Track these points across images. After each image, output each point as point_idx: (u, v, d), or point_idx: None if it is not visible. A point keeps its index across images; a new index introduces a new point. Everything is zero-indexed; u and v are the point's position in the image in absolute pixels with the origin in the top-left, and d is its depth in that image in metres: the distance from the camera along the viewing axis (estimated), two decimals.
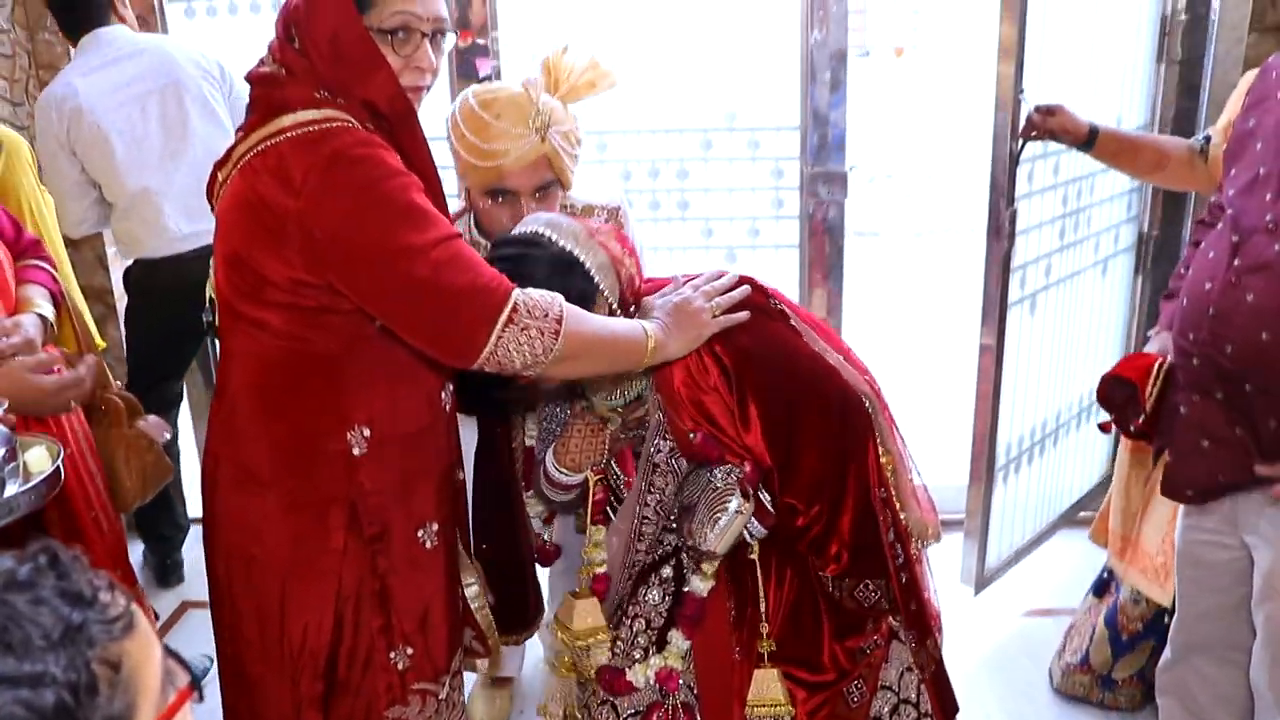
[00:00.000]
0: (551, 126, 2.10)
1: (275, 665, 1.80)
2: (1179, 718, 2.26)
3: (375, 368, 1.72)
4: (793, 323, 1.95)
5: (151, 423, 2.34)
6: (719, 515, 1.78)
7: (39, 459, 1.79)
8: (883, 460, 1.93)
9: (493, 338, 1.57)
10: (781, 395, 1.85)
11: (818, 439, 1.86)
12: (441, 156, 1.86)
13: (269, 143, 1.59)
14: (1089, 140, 2.59)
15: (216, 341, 3.41)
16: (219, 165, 1.72)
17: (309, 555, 1.75)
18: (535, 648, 2.95)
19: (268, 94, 1.65)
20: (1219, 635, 2.12)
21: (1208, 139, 2.46)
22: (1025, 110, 2.68)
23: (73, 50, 3.18)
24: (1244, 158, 1.90)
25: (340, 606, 1.77)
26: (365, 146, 1.58)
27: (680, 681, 1.93)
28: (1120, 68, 3.12)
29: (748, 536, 1.85)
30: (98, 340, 2.56)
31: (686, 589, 1.92)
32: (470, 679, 2.73)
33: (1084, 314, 3.32)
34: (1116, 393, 2.13)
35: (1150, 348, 2.17)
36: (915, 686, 2.00)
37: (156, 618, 3.23)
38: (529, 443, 2.17)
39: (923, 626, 1.99)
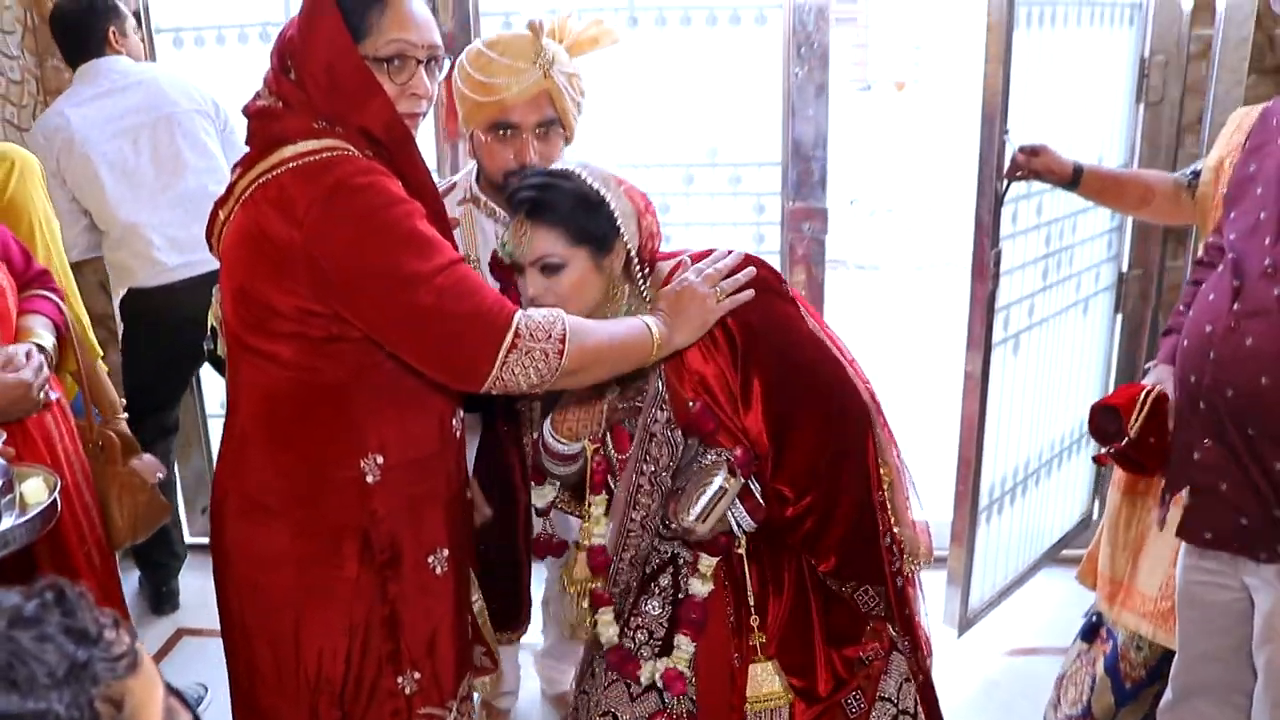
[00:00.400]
0: (555, 65, 2.13)
1: (290, 696, 1.80)
2: None
3: (385, 394, 1.73)
4: (802, 312, 1.95)
5: (146, 462, 2.35)
6: (704, 490, 1.79)
7: (36, 490, 1.81)
8: (880, 471, 1.93)
9: (497, 363, 1.58)
10: (785, 374, 1.84)
11: (813, 424, 1.85)
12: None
13: (270, 175, 1.61)
14: (1074, 179, 2.60)
15: (214, 369, 3.47)
16: (220, 203, 1.73)
17: (321, 584, 1.76)
18: (531, 679, 2.96)
19: (266, 127, 1.67)
20: (1220, 677, 2.09)
21: (1195, 174, 2.47)
22: (1010, 151, 2.69)
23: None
24: (1244, 202, 1.91)
25: (352, 635, 1.78)
26: (366, 175, 1.59)
27: (684, 689, 1.94)
28: (1100, 108, 3.14)
29: (735, 527, 1.85)
30: (96, 350, 2.58)
31: (687, 593, 1.93)
32: None
33: (1065, 353, 3.32)
34: (1106, 421, 2.11)
35: (1148, 379, 2.15)
36: (914, 697, 1.99)
37: (134, 635, 3.22)
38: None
39: (914, 636, 1.99)
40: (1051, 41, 2.90)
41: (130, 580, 3.30)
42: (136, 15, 3.26)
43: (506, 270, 2.26)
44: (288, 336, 1.66)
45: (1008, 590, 3.33)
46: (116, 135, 3.06)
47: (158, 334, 3.22)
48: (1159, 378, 2.07)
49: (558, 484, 2.15)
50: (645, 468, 1.91)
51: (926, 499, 2.05)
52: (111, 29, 3.12)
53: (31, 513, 1.74)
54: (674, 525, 1.85)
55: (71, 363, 2.33)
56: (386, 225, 1.57)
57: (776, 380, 1.83)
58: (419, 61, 1.69)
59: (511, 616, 2.44)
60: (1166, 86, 3.17)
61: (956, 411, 3.05)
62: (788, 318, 1.90)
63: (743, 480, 1.81)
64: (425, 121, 1.80)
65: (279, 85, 1.68)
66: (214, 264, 3.01)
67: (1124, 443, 2.03)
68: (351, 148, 1.63)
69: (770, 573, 1.93)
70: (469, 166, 2.39)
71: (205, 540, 3.74)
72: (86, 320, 2.59)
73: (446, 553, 1.86)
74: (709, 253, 1.91)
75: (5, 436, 1.80)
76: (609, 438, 1.97)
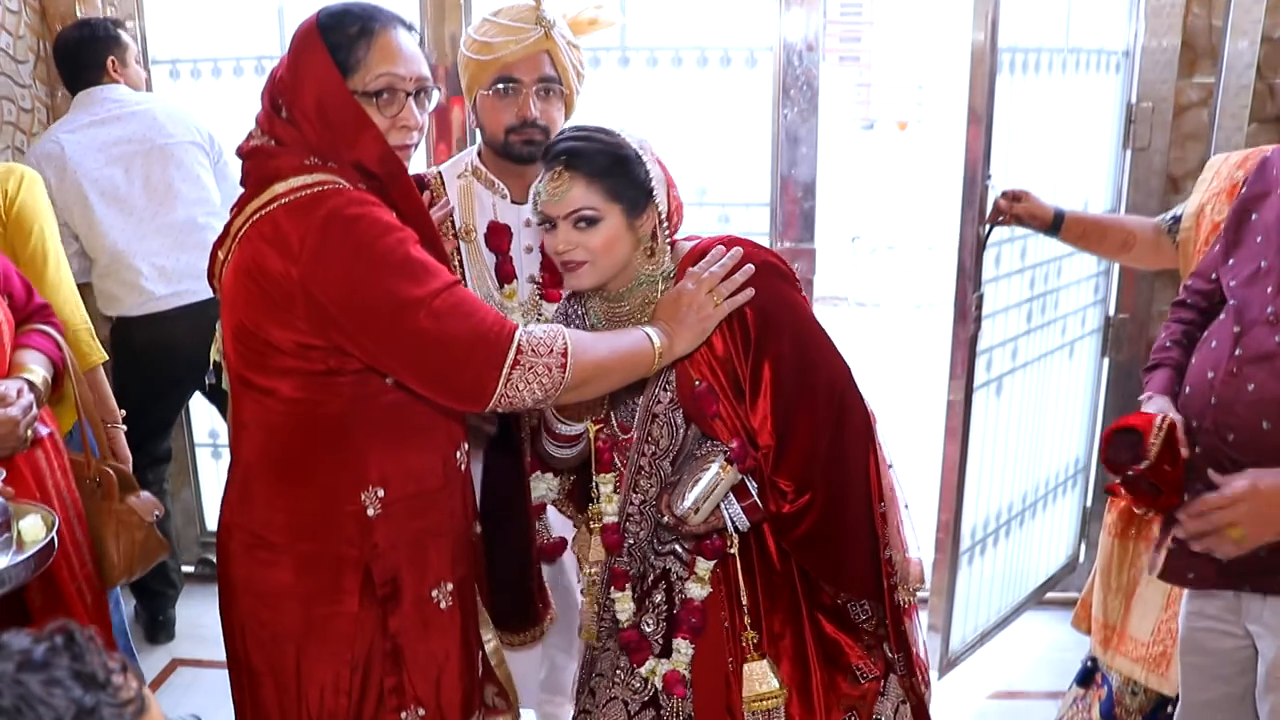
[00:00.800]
0: (556, 28, 2.18)
1: None
2: None
3: (385, 428, 1.74)
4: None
5: (143, 500, 2.34)
6: (699, 477, 1.80)
7: (33, 528, 1.80)
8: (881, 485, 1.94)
9: (501, 380, 1.60)
10: (795, 357, 1.84)
11: (818, 412, 1.85)
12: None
13: (263, 212, 1.63)
14: (1055, 224, 2.62)
15: (212, 403, 3.47)
16: (218, 244, 1.75)
17: (323, 618, 1.76)
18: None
19: (260, 166, 1.69)
20: None
21: (1176, 219, 2.49)
22: (992, 196, 2.71)
23: None
24: (1242, 249, 1.92)
25: (354, 669, 1.78)
26: (358, 205, 1.60)
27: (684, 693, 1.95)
28: (1087, 154, 3.17)
29: (729, 523, 1.85)
30: (101, 354, 2.57)
31: (684, 597, 1.94)
32: None
33: (1051, 396, 3.32)
34: (1123, 444, 1.98)
35: (1149, 408, 2.07)
36: None
37: (141, 680, 3.22)
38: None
39: (909, 657, 1.98)
40: (1036, 88, 2.93)
41: (126, 608, 3.29)
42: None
43: (503, 239, 2.29)
44: (287, 372, 1.67)
45: (990, 632, 3.32)
46: (109, 163, 3.09)
47: (145, 363, 3.23)
48: (1160, 408, 2.02)
49: (555, 481, 2.17)
50: (646, 448, 1.92)
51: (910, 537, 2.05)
52: (111, 58, 3.15)
53: (30, 551, 1.74)
54: (667, 519, 1.85)
55: (69, 399, 2.33)
56: (381, 254, 1.58)
57: (788, 364, 1.83)
58: (408, 94, 1.71)
59: (522, 615, 2.41)
60: (1153, 133, 3.20)
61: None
62: (797, 303, 1.90)
63: (739, 473, 1.82)
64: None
65: (271, 125, 1.70)
66: (202, 295, 3.10)
67: (1143, 466, 1.91)
68: (343, 181, 1.65)
69: (762, 578, 1.93)
70: (471, 148, 2.43)
71: (193, 569, 3.80)
72: (89, 326, 2.57)
73: (450, 587, 1.86)
74: (730, 238, 1.91)
75: (4, 474, 1.80)
76: (613, 417, 1.97)
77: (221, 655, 1.94)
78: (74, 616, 2.06)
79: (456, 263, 2.30)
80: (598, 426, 1.98)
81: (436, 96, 1.80)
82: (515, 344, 1.60)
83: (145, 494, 2.37)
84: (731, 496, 1.83)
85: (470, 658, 1.93)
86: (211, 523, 3.95)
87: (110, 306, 3.24)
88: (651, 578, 2.01)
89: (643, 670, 1.96)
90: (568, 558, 2.46)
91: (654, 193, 1.83)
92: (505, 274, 2.32)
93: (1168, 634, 2.44)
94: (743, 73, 3.18)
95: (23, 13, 3.30)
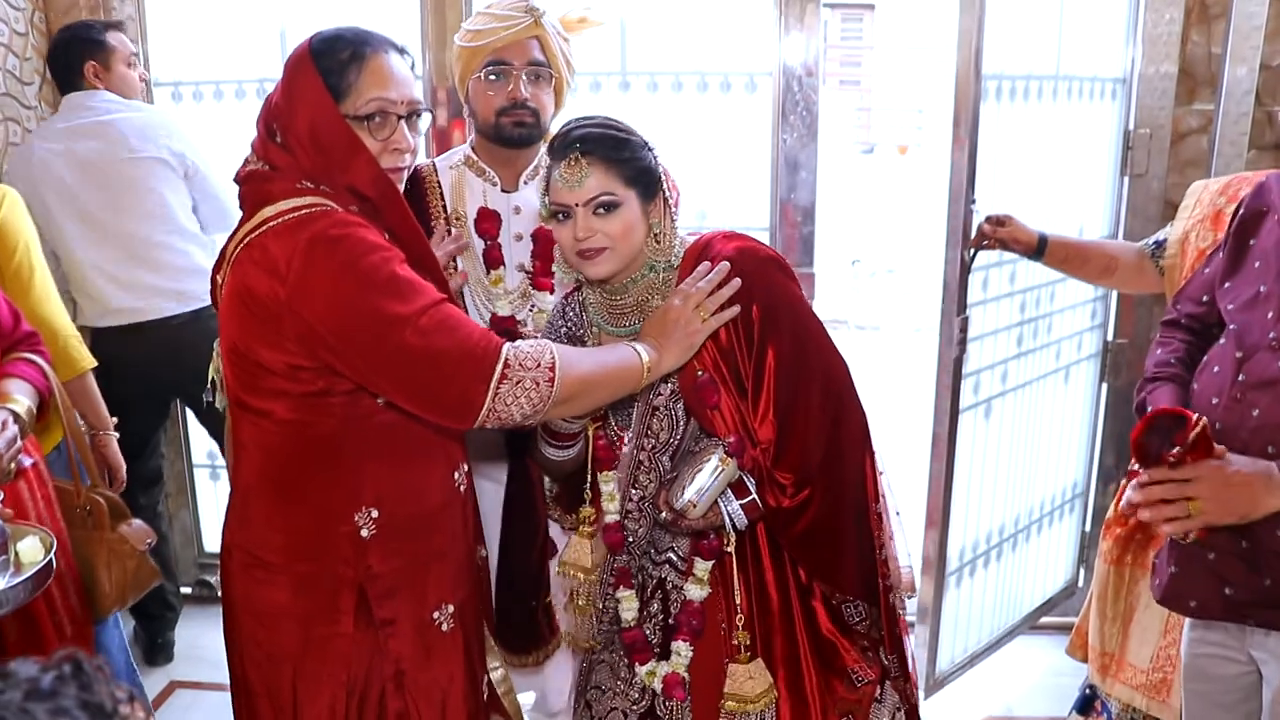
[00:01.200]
0: (545, 16, 2.24)
1: None
2: None
3: (378, 448, 1.74)
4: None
5: (135, 528, 2.32)
6: (699, 470, 1.79)
7: (32, 550, 1.80)
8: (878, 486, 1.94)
9: (489, 395, 1.60)
10: (796, 346, 1.84)
11: (818, 402, 1.85)
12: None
13: (253, 235, 1.64)
14: (1039, 249, 2.63)
15: (202, 423, 3.45)
16: (215, 269, 1.77)
17: (319, 639, 1.76)
18: None
19: (254, 191, 1.71)
20: None
21: (1159, 244, 2.50)
22: (977, 220, 2.72)
23: None
24: (1240, 273, 1.92)
25: (351, 692, 1.77)
26: (342, 227, 1.61)
27: (683, 696, 1.94)
28: (1083, 180, 3.18)
29: (727, 520, 1.84)
30: (90, 360, 2.56)
31: (683, 599, 1.93)
32: None
33: (1046, 420, 3.33)
34: (1158, 428, 1.81)
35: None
36: None
37: (149, 710, 3.20)
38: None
39: (903, 659, 1.98)
40: (1026, 115, 2.95)
41: (125, 629, 3.29)
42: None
43: (492, 224, 2.32)
44: (279, 393, 1.68)
45: (982, 654, 3.31)
46: (72, 170, 3.06)
47: (111, 374, 3.23)
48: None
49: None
50: (646, 442, 1.92)
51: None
52: (91, 63, 3.11)
53: (28, 573, 1.73)
54: (666, 515, 1.84)
55: (56, 426, 2.32)
56: (365, 273, 1.59)
57: (789, 355, 1.83)
58: (399, 117, 1.72)
59: (529, 636, 2.42)
60: (1151, 159, 3.21)
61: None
62: (799, 298, 1.90)
63: (737, 468, 1.81)
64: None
65: (265, 150, 1.72)
66: (167, 313, 3.11)
67: (1178, 451, 1.77)
68: (332, 204, 1.66)
69: (756, 580, 1.93)
70: (465, 143, 2.47)
71: (190, 590, 3.79)
72: (77, 334, 2.57)
73: (452, 609, 1.85)
74: (732, 234, 1.92)
75: (3, 496, 1.80)
76: (610, 416, 1.98)
77: (220, 677, 1.94)
78: (47, 650, 2.06)
79: (453, 266, 2.32)
80: (596, 425, 1.98)
81: (428, 118, 1.82)
82: (502, 358, 1.61)
83: (137, 522, 2.35)
84: (730, 494, 1.83)
85: (474, 682, 1.93)
86: (209, 544, 3.95)
87: (78, 315, 3.22)
88: (649, 588, 2.01)
89: (642, 671, 1.96)
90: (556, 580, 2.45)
91: (664, 179, 1.85)
92: (492, 259, 2.35)
93: (1167, 660, 2.44)
94: (743, 97, 3.20)
95: (29, 34, 3.32)
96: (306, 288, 1.58)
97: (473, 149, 2.40)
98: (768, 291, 1.84)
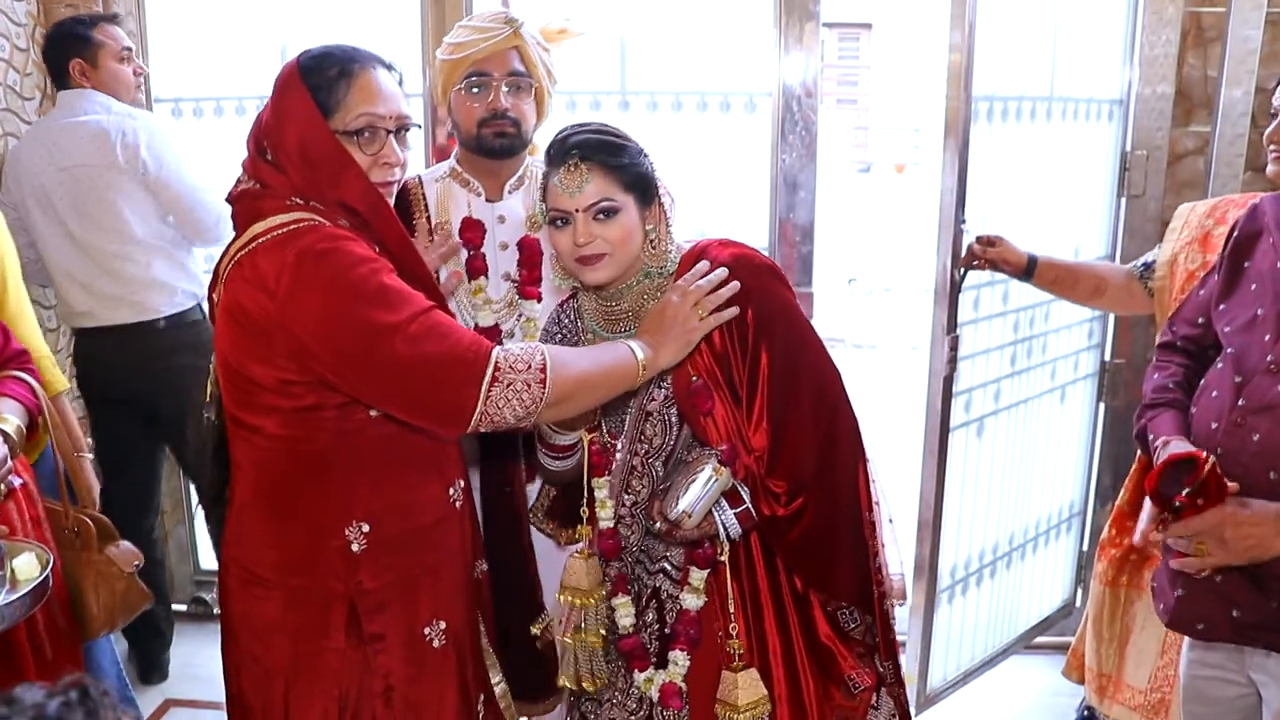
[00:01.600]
0: (524, 27, 2.25)
1: None
2: None
3: (372, 463, 1.75)
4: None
5: (123, 550, 2.31)
6: (694, 479, 1.79)
7: (27, 566, 1.80)
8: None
9: (480, 399, 1.60)
10: (789, 350, 1.84)
11: (805, 414, 1.85)
12: None
13: (243, 252, 1.65)
14: (1029, 269, 2.64)
15: (195, 438, 3.43)
16: (211, 288, 1.78)
17: (310, 654, 1.76)
18: None
19: (246, 209, 1.72)
20: None
21: (1147, 265, 2.52)
22: (967, 240, 2.74)
23: None
24: (1236, 296, 1.93)
25: (343, 707, 1.77)
26: (330, 240, 1.63)
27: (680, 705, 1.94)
28: (1079, 200, 3.20)
29: (721, 530, 1.84)
30: (62, 383, 2.54)
31: (680, 608, 1.93)
32: None
33: (1042, 439, 3.33)
34: (1172, 474, 1.81)
35: (1172, 449, 1.94)
36: None
37: None
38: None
39: (897, 666, 1.98)
40: (1020, 135, 2.97)
41: (119, 646, 3.28)
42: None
43: (476, 234, 2.32)
44: (271, 409, 1.69)
45: (975, 672, 3.31)
46: (49, 172, 3.03)
47: (90, 377, 3.24)
48: (1185, 447, 1.91)
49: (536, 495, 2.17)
50: (639, 448, 1.92)
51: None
52: (77, 61, 3.05)
53: (24, 589, 1.74)
54: (660, 525, 1.84)
55: (44, 445, 2.32)
56: (353, 285, 1.60)
57: (782, 361, 1.83)
58: (388, 131, 1.74)
59: (536, 684, 2.39)
60: (1148, 180, 3.23)
61: None
62: (793, 306, 1.90)
63: (730, 477, 1.81)
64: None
65: (256, 168, 1.74)
66: (117, 320, 3.09)
67: (1186, 495, 1.78)
68: (321, 219, 1.68)
69: (750, 587, 1.92)
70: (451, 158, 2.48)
71: (186, 607, 3.78)
72: (51, 355, 2.55)
73: (444, 625, 1.85)
74: (726, 241, 1.91)
75: None
76: (604, 422, 1.98)
77: (215, 695, 1.94)
78: (25, 673, 2.04)
79: (438, 276, 2.33)
80: (591, 435, 1.98)
81: (417, 133, 1.85)
82: (493, 362, 1.62)
83: (125, 543, 2.34)
84: (724, 503, 1.82)
85: (467, 700, 1.92)
86: (205, 561, 3.96)
87: (57, 312, 3.26)
88: (645, 597, 2.00)
89: (640, 679, 1.95)
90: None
91: (660, 185, 1.86)
92: (475, 269, 2.35)
93: (1165, 680, 2.44)
94: (742, 117, 3.21)
95: (30, 50, 3.33)
96: (296, 302, 1.59)
97: (457, 161, 2.42)
98: (763, 297, 1.84)
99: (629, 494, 1.96)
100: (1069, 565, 3.58)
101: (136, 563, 2.32)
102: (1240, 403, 1.83)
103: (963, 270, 2.77)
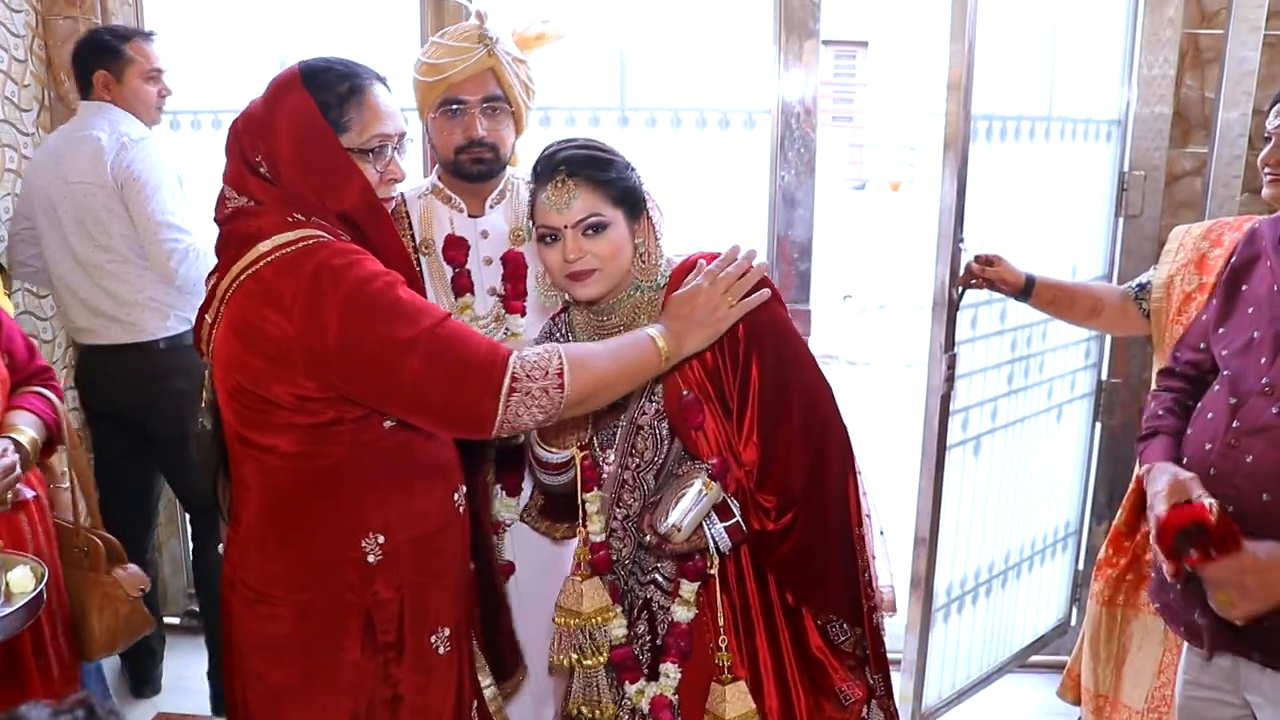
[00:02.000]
0: (499, 45, 2.22)
1: None
2: None
3: (384, 473, 1.75)
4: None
5: (130, 573, 2.30)
6: (684, 493, 1.78)
7: (22, 579, 1.79)
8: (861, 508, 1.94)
9: (500, 407, 1.61)
10: (781, 365, 1.84)
11: (795, 428, 1.84)
12: None
13: (250, 271, 1.64)
14: (1026, 289, 2.65)
15: (185, 447, 3.42)
16: (203, 309, 1.76)
17: (324, 667, 1.76)
18: None
19: (240, 227, 1.70)
20: None
21: (1142, 287, 2.52)
22: (965, 259, 2.74)
23: None
24: (1233, 319, 1.94)
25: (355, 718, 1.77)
26: (344, 256, 1.63)
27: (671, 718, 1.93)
28: (1077, 220, 3.20)
29: (711, 544, 1.83)
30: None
31: (671, 621, 1.92)
32: None
33: (1038, 458, 3.33)
34: (1185, 540, 1.81)
35: (1161, 480, 1.90)
36: None
37: None
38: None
39: (887, 676, 1.98)
40: (1018, 155, 2.97)
41: (112, 659, 3.26)
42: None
43: (459, 251, 2.31)
44: (287, 427, 1.68)
45: (970, 690, 3.30)
46: (52, 184, 3.02)
47: (89, 393, 3.25)
48: (1175, 474, 1.89)
49: (512, 501, 2.21)
50: (630, 461, 1.92)
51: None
52: (102, 72, 3.01)
53: (18, 603, 1.73)
54: (650, 538, 1.83)
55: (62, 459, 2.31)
56: (371, 299, 1.60)
57: (773, 375, 1.82)
58: (393, 147, 1.75)
59: (502, 662, 2.37)
60: (1145, 200, 3.24)
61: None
62: (784, 319, 1.90)
63: (721, 491, 1.81)
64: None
65: (246, 184, 1.72)
66: (110, 339, 3.07)
67: (1195, 555, 1.79)
68: (325, 234, 1.67)
69: (740, 601, 1.92)
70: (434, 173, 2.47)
71: (179, 620, 3.76)
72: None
73: (448, 631, 1.86)
74: (717, 255, 1.90)
75: None
76: (595, 442, 1.97)
77: (206, 708, 1.92)
78: (31, 691, 2.03)
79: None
80: (584, 452, 1.97)
81: (411, 146, 1.86)
82: (509, 372, 1.62)
83: (132, 567, 2.32)
84: (714, 515, 1.82)
85: (463, 705, 1.92)
86: None
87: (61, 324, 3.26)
88: (636, 609, 2.00)
89: (631, 690, 1.95)
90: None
91: (648, 199, 1.86)
92: (460, 286, 2.34)
93: (1162, 700, 2.44)
94: (741, 134, 3.22)
95: (29, 61, 3.33)
96: (314, 320, 1.59)
97: (439, 178, 2.41)
98: (754, 310, 1.84)
99: (620, 507, 1.96)
100: (1064, 584, 3.57)
101: (143, 588, 2.31)
102: (1235, 424, 1.83)
103: (960, 289, 2.78)
